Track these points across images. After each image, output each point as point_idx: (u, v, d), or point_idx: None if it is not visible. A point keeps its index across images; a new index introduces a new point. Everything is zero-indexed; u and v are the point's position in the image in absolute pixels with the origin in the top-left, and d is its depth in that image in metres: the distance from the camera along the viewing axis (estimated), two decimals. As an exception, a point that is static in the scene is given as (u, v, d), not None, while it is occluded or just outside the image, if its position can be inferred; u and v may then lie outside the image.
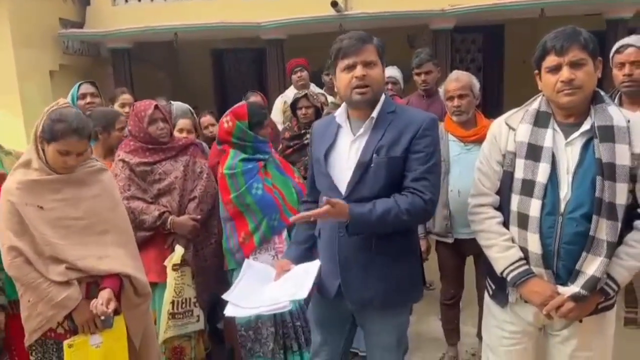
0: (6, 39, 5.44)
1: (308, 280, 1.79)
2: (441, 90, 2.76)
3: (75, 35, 6.34)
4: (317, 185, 1.98)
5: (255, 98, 3.54)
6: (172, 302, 2.61)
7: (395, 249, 1.83)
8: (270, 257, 2.61)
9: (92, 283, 2.02)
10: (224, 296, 1.87)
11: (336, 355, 2.08)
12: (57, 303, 1.92)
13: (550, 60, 1.62)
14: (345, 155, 1.84)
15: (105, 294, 1.96)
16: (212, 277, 2.77)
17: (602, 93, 1.66)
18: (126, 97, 3.61)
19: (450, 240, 2.67)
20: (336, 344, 2.06)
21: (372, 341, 1.96)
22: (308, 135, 3.10)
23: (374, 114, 1.81)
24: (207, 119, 3.78)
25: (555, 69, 1.61)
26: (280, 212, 2.65)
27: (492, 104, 7.59)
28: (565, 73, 1.58)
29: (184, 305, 2.67)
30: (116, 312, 2.04)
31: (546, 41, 1.64)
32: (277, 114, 4.57)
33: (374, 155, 1.76)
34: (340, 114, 1.90)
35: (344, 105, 1.91)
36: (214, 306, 3.09)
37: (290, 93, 4.38)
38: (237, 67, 8.95)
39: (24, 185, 1.95)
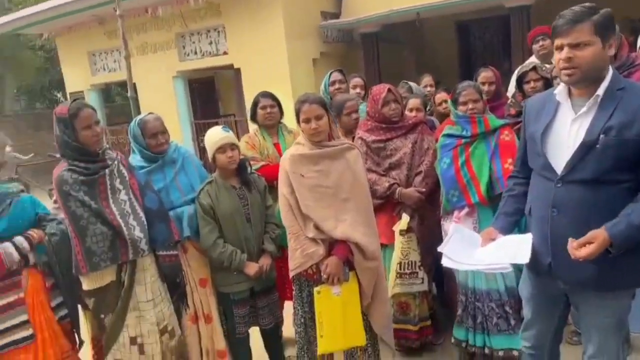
0: (280, 32, 6.58)
1: (526, 248, 1.87)
2: None
3: (333, 25, 7.21)
4: (530, 163, 2.00)
5: (486, 73, 3.55)
6: (399, 263, 2.97)
7: None
8: (471, 225, 2.74)
9: (333, 243, 2.46)
10: (439, 248, 2.09)
11: (548, 332, 2.10)
12: (307, 254, 2.43)
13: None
14: (565, 135, 1.83)
15: (331, 263, 2.39)
16: (436, 244, 3.02)
17: None
18: (356, 80, 4.10)
19: None
20: (548, 321, 2.08)
21: (587, 321, 1.93)
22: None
23: (600, 91, 1.75)
24: (441, 95, 3.94)
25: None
26: (463, 190, 2.73)
27: None
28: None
29: (409, 267, 3.00)
30: (351, 267, 2.50)
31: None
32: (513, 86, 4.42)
33: (601, 135, 1.71)
34: (560, 91, 1.87)
35: None
36: (442, 271, 3.35)
37: (529, 62, 4.18)
38: (482, 37, 8.73)
39: (293, 158, 2.52)
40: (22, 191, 2.61)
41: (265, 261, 2.78)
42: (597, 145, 1.72)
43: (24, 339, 2.39)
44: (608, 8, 1.75)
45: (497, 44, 8.40)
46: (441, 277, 3.47)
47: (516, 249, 1.89)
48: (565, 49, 1.74)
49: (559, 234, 1.83)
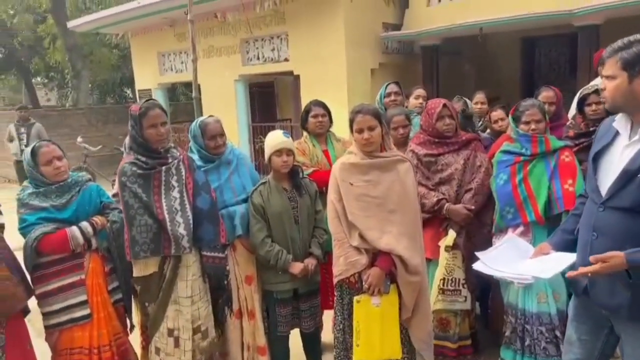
0: (341, 42, 6.66)
1: (558, 267, 1.90)
2: None
3: (394, 37, 7.23)
4: (586, 185, 2.00)
5: (547, 93, 3.47)
6: (443, 279, 2.95)
7: None
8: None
9: (376, 254, 2.47)
10: (479, 254, 2.09)
11: (590, 356, 2.04)
12: (350, 262, 2.46)
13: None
14: (616, 160, 1.82)
15: (373, 274, 2.40)
16: (482, 263, 2.99)
17: None
18: (419, 91, 4.14)
19: None
20: (589, 345, 2.03)
21: (626, 350, 1.89)
22: (599, 133, 2.92)
23: None
24: (497, 113, 3.88)
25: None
26: (519, 208, 2.68)
27: None
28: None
29: (453, 284, 2.97)
30: (392, 280, 2.50)
31: None
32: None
33: None
34: (619, 118, 1.86)
35: None
36: (487, 291, 3.30)
37: (593, 84, 4.04)
38: (548, 54, 8.46)
39: (344, 166, 2.56)
40: (90, 180, 2.82)
41: (311, 262, 2.84)
42: (638, 175, 1.70)
43: (82, 317, 2.58)
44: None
45: (563, 62, 8.11)
46: (486, 297, 3.42)
47: (551, 265, 1.91)
48: (603, 79, 1.81)
49: None
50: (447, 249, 2.91)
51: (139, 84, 10.52)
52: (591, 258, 1.70)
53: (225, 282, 2.76)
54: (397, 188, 2.52)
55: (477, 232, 3.00)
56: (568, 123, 3.39)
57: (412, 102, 4.03)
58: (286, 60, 7.52)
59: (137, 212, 2.46)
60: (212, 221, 2.64)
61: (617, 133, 1.87)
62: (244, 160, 3.02)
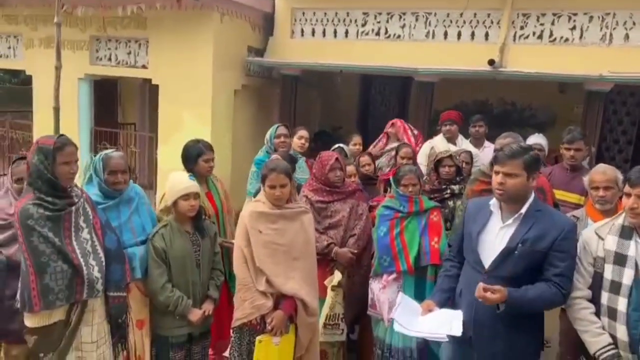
0: (209, 61, 6.56)
1: (458, 323, 2.31)
2: (585, 179, 3.06)
3: (260, 63, 7.39)
4: (465, 255, 2.47)
5: (407, 149, 4.06)
6: (327, 315, 3.27)
7: (520, 320, 2.28)
8: (396, 289, 3.13)
9: (280, 297, 2.68)
10: (391, 314, 2.43)
11: None
12: (257, 306, 2.63)
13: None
14: (493, 238, 2.32)
15: (277, 317, 2.62)
16: (359, 299, 3.39)
17: None
18: (302, 132, 4.44)
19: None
20: None
21: None
22: (448, 191, 3.54)
23: (523, 210, 2.27)
24: (365, 159, 4.35)
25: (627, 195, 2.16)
26: (394, 258, 3.13)
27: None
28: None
29: (334, 319, 3.31)
30: (291, 320, 2.72)
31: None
32: (423, 157, 4.92)
33: (520, 244, 2.23)
34: (494, 203, 2.37)
35: None
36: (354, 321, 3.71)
37: (438, 140, 4.76)
38: (382, 91, 9.59)
39: (253, 214, 2.72)
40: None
41: (209, 307, 2.90)
42: (516, 252, 2.24)
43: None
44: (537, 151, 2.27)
45: (394, 100, 9.25)
46: (352, 326, 3.82)
47: (451, 322, 2.33)
48: (500, 176, 2.24)
49: (481, 315, 2.31)
50: (333, 288, 3.25)
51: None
52: (482, 286, 2.17)
53: (121, 320, 2.64)
54: (301, 237, 2.77)
55: (356, 272, 3.40)
56: (424, 178, 4.01)
57: (296, 142, 4.28)
58: (144, 67, 7.13)
59: (50, 259, 2.26)
60: (120, 261, 2.56)
61: (490, 215, 2.37)
62: (144, 199, 2.93)
